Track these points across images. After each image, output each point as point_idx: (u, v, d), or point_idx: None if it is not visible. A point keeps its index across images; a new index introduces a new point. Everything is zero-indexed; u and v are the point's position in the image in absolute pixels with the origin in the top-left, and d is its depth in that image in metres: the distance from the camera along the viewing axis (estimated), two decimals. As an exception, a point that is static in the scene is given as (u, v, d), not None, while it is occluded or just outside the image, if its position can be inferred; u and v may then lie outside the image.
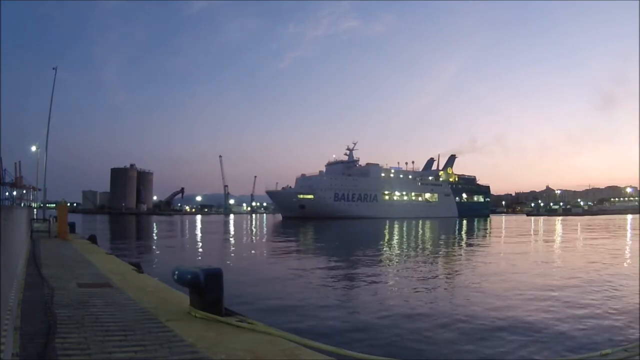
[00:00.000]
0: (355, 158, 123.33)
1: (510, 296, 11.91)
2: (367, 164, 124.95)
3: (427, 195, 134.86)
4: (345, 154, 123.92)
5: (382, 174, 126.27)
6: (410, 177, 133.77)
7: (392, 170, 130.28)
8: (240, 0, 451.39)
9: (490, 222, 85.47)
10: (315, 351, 3.98)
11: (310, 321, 9.11)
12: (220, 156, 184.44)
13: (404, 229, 55.44)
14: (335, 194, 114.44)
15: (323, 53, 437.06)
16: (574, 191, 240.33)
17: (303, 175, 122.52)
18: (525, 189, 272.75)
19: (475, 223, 76.89)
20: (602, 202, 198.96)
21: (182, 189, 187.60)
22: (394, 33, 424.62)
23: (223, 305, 5.13)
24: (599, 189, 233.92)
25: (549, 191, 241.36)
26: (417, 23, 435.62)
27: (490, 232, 50.08)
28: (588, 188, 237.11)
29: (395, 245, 30.65)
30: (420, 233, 46.99)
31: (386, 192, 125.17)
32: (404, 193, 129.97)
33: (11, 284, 5.22)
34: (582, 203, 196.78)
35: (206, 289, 5.05)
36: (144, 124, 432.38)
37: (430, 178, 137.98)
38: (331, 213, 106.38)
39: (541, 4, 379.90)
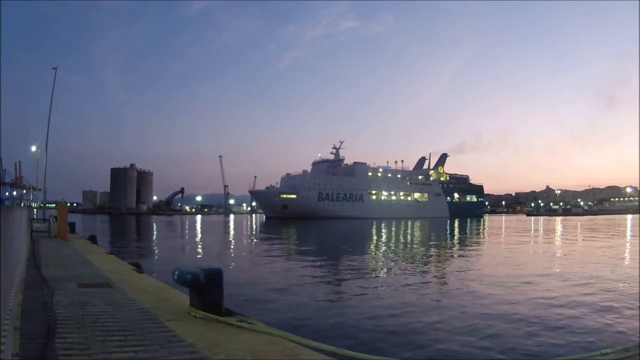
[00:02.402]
0: (341, 157, 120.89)
1: (506, 296, 11.91)
2: (354, 162, 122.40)
3: (417, 195, 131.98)
4: (332, 153, 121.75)
5: (369, 173, 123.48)
6: (398, 176, 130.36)
7: (380, 169, 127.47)
8: (239, 0, 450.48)
9: (483, 222, 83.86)
10: (315, 351, 3.98)
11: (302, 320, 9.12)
12: (220, 156, 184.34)
13: (383, 229, 54.12)
14: (319, 193, 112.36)
15: (322, 53, 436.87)
16: (574, 191, 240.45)
17: (288, 174, 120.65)
18: (525, 189, 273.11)
19: (468, 223, 75.18)
20: (602, 202, 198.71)
21: (182, 189, 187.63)
22: (393, 33, 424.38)
23: (223, 305, 5.13)
24: (599, 189, 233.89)
25: (549, 191, 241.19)
26: (416, 23, 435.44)
27: (476, 233, 50.04)
28: (588, 188, 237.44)
29: (360, 246, 30.70)
30: (390, 234, 46.91)
31: (373, 192, 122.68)
32: (392, 193, 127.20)
33: (11, 284, 5.22)
34: (582, 203, 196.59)
35: (206, 289, 5.05)
36: (144, 124, 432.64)
37: (419, 177, 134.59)
38: (315, 213, 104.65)
39: (541, 4, 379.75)
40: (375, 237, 39.23)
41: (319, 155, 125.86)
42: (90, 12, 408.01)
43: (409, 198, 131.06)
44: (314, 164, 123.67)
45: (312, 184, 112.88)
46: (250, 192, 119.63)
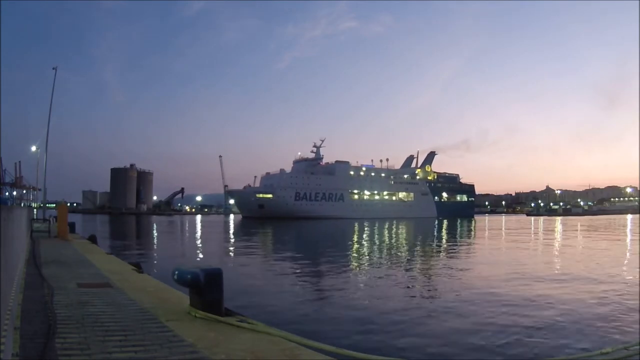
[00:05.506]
0: (320, 155, 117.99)
1: (503, 297, 11.91)
2: (336, 161, 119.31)
3: (402, 194, 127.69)
4: (312, 152, 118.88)
5: (351, 172, 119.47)
6: (382, 175, 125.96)
7: (363, 168, 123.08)
8: (239, 0, 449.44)
9: (474, 222, 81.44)
10: (315, 351, 3.98)
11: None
12: (220, 156, 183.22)
13: (357, 230, 51.91)
14: (297, 193, 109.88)
15: (322, 53, 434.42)
16: (574, 191, 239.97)
17: (268, 173, 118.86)
18: (525, 189, 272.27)
19: (458, 224, 72.84)
20: (602, 202, 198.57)
21: (182, 189, 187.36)
22: (392, 33, 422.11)
23: (223, 305, 5.13)
24: (599, 189, 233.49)
25: (549, 191, 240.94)
26: (416, 24, 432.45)
27: (467, 235, 49.98)
28: (588, 188, 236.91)
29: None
30: (363, 235, 46.70)
31: (355, 191, 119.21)
32: (375, 192, 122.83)
33: (11, 284, 5.22)
34: (582, 203, 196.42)
35: (206, 289, 5.06)
36: (144, 124, 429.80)
37: (405, 176, 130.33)
38: (292, 213, 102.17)
39: (542, 4, 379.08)
40: (339, 240, 36.75)
41: (299, 153, 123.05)
42: (90, 12, 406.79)
43: (394, 198, 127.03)
44: (295, 162, 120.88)
45: (289, 183, 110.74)
46: (227, 191, 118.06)
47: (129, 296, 6.32)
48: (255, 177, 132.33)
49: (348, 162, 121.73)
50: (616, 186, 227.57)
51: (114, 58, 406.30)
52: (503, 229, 58.28)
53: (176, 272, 5.24)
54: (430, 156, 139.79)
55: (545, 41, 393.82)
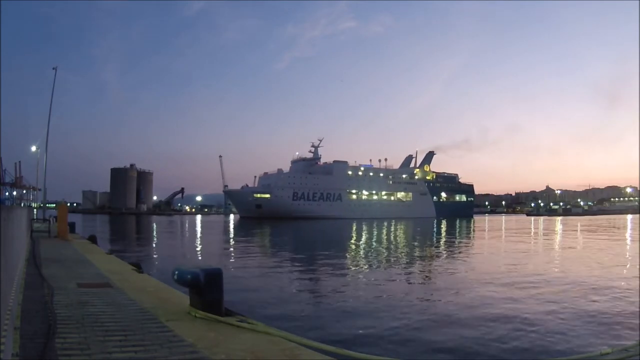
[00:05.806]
0: (318, 155, 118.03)
1: (501, 297, 11.91)
2: (334, 161, 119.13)
3: (400, 194, 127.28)
4: (310, 152, 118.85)
5: (349, 172, 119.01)
6: (381, 175, 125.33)
7: (362, 168, 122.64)
8: (239, 0, 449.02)
9: (473, 222, 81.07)
10: (315, 351, 3.98)
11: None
12: (220, 156, 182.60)
13: (351, 231, 51.85)
14: (295, 193, 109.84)
15: (321, 53, 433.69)
16: (574, 191, 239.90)
17: (266, 173, 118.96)
18: (525, 189, 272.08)
19: (457, 224, 72.21)
20: (602, 202, 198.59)
21: (182, 189, 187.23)
22: (392, 33, 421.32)
23: (223, 305, 5.14)
24: (599, 189, 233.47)
25: (548, 191, 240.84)
26: (415, 24, 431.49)
27: (466, 236, 49.93)
28: (588, 188, 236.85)
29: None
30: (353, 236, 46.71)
31: (353, 191, 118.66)
32: (373, 192, 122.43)
33: (11, 284, 5.22)
34: (582, 203, 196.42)
35: (206, 289, 5.06)
36: (144, 124, 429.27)
37: (404, 176, 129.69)
38: (289, 213, 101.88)
39: (541, 4, 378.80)
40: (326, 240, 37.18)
41: (297, 153, 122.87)
42: (90, 12, 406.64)
43: (392, 197, 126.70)
44: (292, 162, 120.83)
45: (287, 183, 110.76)
46: (224, 191, 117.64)
47: (129, 296, 6.32)
48: (255, 177, 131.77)
49: (346, 162, 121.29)
50: (616, 186, 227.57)
51: (114, 58, 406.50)
52: (503, 229, 58.27)
53: (176, 272, 5.25)
54: (429, 156, 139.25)
55: (545, 41, 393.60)
